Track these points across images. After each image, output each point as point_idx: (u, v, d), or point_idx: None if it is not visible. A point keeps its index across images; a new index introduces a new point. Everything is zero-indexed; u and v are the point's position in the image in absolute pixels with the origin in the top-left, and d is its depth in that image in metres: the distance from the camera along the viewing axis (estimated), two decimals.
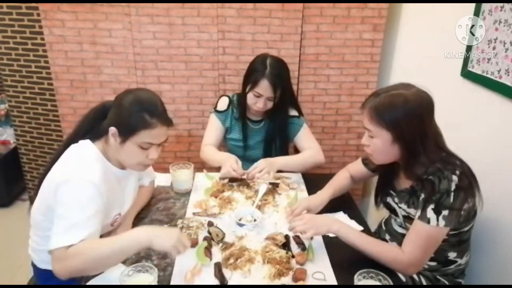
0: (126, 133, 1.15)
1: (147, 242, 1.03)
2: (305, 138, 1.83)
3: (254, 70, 1.69)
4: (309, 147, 1.81)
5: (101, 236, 1.19)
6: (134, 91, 1.22)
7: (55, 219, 1.07)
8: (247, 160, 1.83)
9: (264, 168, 1.57)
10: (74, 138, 1.21)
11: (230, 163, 1.57)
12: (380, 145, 1.19)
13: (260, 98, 1.68)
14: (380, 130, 1.17)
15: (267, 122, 1.84)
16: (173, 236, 1.04)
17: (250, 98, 1.71)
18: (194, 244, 1.23)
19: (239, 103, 1.83)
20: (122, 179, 1.30)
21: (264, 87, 1.65)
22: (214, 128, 1.85)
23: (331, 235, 1.31)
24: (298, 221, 1.25)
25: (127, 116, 1.15)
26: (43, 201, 1.18)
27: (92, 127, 1.23)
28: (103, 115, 1.22)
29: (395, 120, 1.13)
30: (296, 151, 1.90)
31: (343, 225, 1.24)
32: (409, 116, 1.12)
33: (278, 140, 1.84)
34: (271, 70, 1.65)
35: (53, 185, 1.10)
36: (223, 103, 1.86)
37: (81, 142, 1.20)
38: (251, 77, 1.69)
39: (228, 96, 1.87)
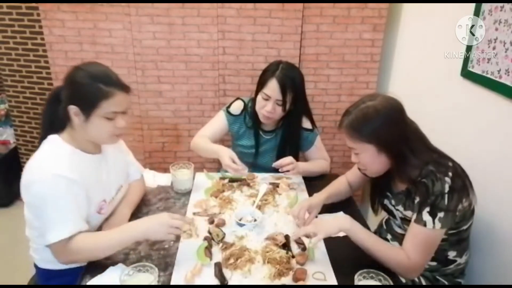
0: (87, 108, 1.14)
1: (142, 237, 1.16)
2: (317, 151, 1.81)
3: (266, 71, 1.65)
4: (322, 158, 1.82)
5: (99, 228, 1.28)
6: (82, 66, 1.20)
7: (39, 218, 1.12)
8: (257, 167, 1.82)
9: (292, 163, 1.59)
10: (44, 136, 1.21)
11: (227, 164, 1.52)
12: (368, 159, 1.21)
13: (268, 102, 1.61)
14: (362, 145, 1.19)
15: (279, 132, 1.79)
16: (163, 225, 1.13)
17: (259, 101, 1.65)
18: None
19: (253, 110, 1.75)
20: (98, 164, 1.28)
21: (272, 88, 1.59)
22: (217, 126, 1.79)
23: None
24: (307, 227, 1.23)
25: (84, 91, 1.13)
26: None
27: (53, 119, 1.21)
28: (59, 102, 1.19)
29: (373, 131, 1.16)
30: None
31: (354, 223, 1.20)
32: (384, 124, 1.15)
33: (290, 150, 1.77)
34: (282, 71, 1.59)
35: (23, 185, 1.13)
36: (237, 107, 1.79)
37: (49, 137, 1.19)
38: (261, 79, 1.64)
39: (244, 102, 1.80)
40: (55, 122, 1.20)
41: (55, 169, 1.10)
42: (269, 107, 1.62)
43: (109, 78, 1.16)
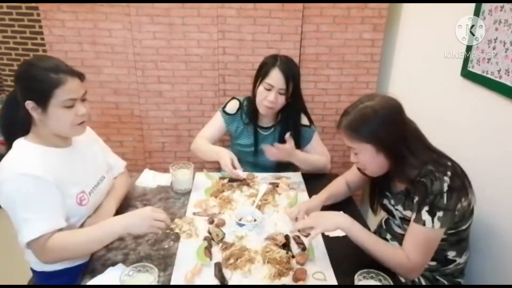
0: (42, 99, 1.12)
1: (124, 232, 1.15)
2: (315, 147, 1.81)
3: (264, 64, 1.67)
4: (321, 153, 1.82)
5: (81, 225, 1.27)
6: (31, 61, 1.19)
7: (12, 219, 1.13)
8: (257, 166, 1.82)
9: (286, 148, 1.61)
10: (7, 142, 1.20)
11: (226, 163, 1.54)
12: (367, 159, 1.21)
13: (271, 91, 1.63)
14: (361, 145, 1.19)
15: (277, 128, 1.80)
16: (146, 219, 1.14)
17: (261, 92, 1.66)
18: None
19: (249, 108, 1.78)
20: (70, 156, 1.26)
21: (275, 77, 1.61)
22: (215, 127, 1.81)
23: (332, 234, 1.31)
24: (305, 220, 1.24)
25: (35, 83, 1.12)
26: None
27: (12, 121, 1.20)
28: (17, 103, 1.18)
29: (371, 131, 1.16)
30: None
31: (354, 223, 1.20)
32: (383, 124, 1.15)
33: None
34: (282, 62, 1.63)
35: None
36: (232, 106, 1.80)
37: (15, 142, 1.18)
38: (261, 71, 1.66)
39: (239, 100, 1.81)
40: (16, 125, 1.19)
41: (22, 169, 1.10)
42: (271, 96, 1.63)
43: (58, 66, 1.15)
